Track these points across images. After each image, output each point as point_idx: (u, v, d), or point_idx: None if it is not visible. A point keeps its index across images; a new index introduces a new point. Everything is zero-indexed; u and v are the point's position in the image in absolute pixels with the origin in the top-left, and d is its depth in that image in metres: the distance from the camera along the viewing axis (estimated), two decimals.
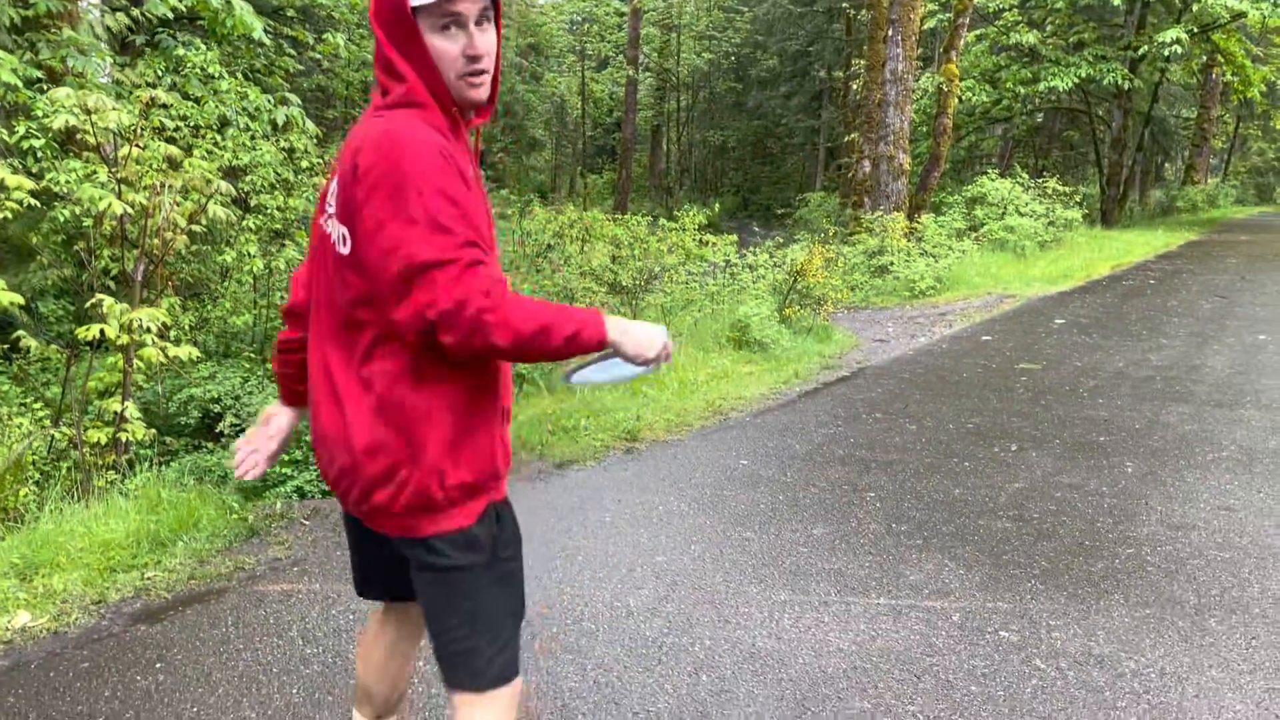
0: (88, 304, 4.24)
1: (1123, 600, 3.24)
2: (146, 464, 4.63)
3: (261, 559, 3.61)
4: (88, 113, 4.19)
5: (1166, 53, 17.66)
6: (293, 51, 10.10)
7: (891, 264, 11.98)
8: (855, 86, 19.47)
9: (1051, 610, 3.17)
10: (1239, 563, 3.55)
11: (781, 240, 11.01)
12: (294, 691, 2.65)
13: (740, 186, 39.73)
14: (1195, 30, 18.22)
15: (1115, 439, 5.17)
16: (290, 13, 11.72)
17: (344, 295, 1.50)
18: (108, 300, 4.09)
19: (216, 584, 3.38)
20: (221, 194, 4.58)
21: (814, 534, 3.85)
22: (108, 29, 7.99)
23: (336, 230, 1.50)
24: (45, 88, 6.12)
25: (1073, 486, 4.40)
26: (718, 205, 17.72)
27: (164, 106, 5.29)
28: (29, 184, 4.60)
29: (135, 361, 4.40)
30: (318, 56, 10.80)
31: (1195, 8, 17.82)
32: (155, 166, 4.95)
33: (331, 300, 1.54)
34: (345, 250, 1.48)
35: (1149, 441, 5.12)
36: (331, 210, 1.52)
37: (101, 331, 4.11)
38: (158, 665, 2.79)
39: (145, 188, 4.60)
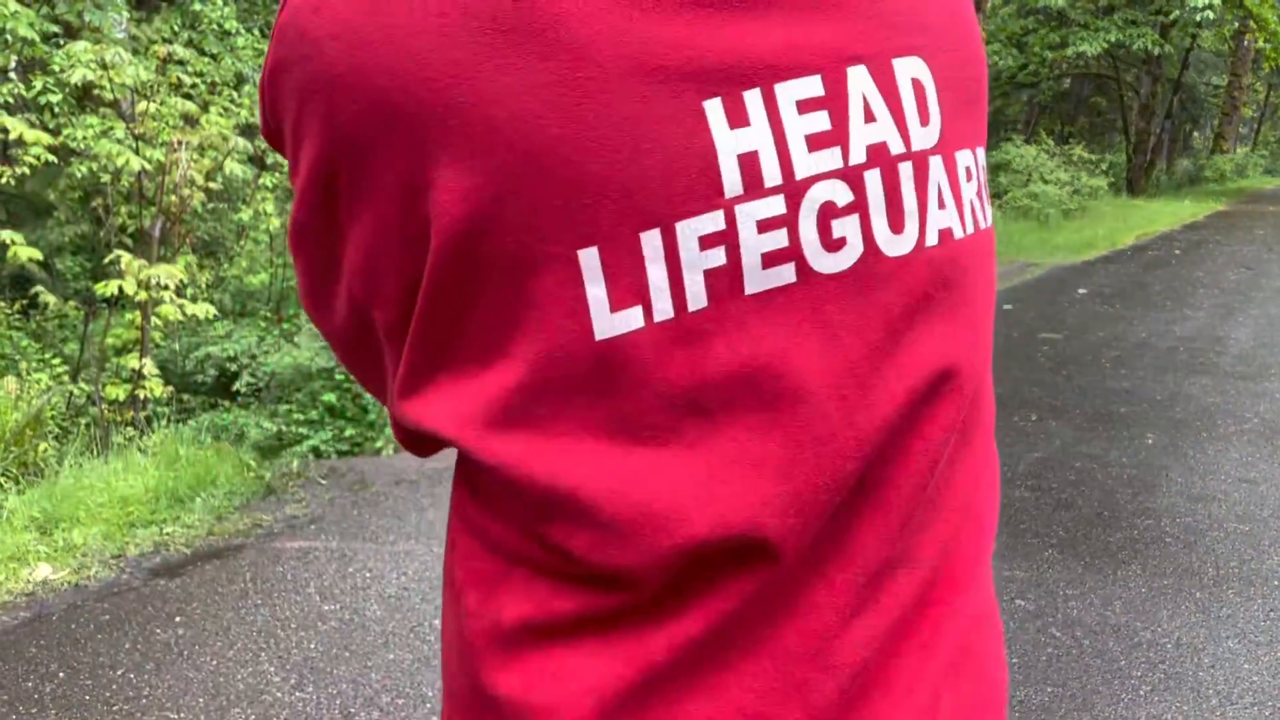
0: (105, 260, 4.25)
1: (1140, 570, 3.22)
2: (164, 421, 4.67)
3: (279, 516, 3.64)
4: (104, 68, 4.17)
5: (1198, 18, 17.26)
6: None
7: None
8: None
9: (1068, 579, 3.15)
10: (1259, 535, 3.51)
11: None
12: (311, 646, 2.67)
13: None
14: None
15: (1136, 410, 5.12)
16: None
17: (981, 364, 0.60)
18: (126, 256, 4.09)
19: (234, 540, 3.41)
20: (238, 151, 4.56)
21: None
22: None
23: (972, 184, 0.58)
24: (62, 42, 6.10)
25: (1092, 457, 4.37)
26: None
27: (180, 63, 5.26)
28: (47, 139, 4.59)
29: (153, 319, 4.42)
30: None
31: None
32: (172, 123, 4.93)
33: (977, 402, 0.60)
34: (985, 222, 0.60)
35: (1170, 413, 5.07)
36: (923, 138, 0.54)
37: (120, 288, 4.12)
38: (177, 619, 2.82)
39: (162, 144, 4.59)
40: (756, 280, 0.49)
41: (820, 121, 0.50)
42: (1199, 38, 22.25)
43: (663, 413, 0.50)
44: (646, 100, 0.47)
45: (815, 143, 0.50)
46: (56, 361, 4.72)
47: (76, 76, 4.16)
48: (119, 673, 2.54)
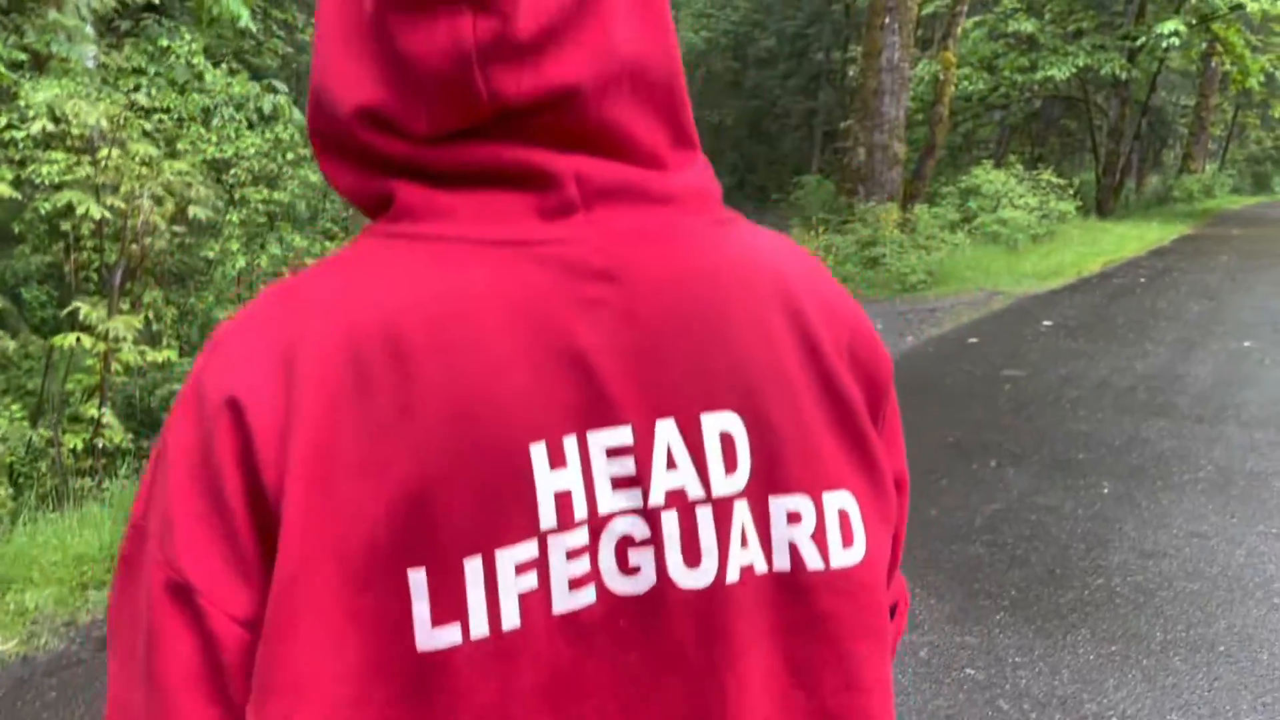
0: (64, 311, 4.23)
1: (1089, 635, 3.27)
2: (126, 463, 4.63)
3: None
4: (65, 117, 4.16)
5: (1165, 44, 17.56)
6: (282, 33, 9.99)
7: (884, 255, 11.96)
8: (852, 72, 19.37)
9: (1019, 646, 3.20)
10: (1207, 595, 3.57)
11: (774, 225, 10.97)
12: None
13: (737, 166, 39.56)
14: (1194, 22, 18.11)
15: (1094, 456, 5.19)
16: None
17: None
18: (84, 308, 4.07)
19: None
20: (200, 199, 4.55)
21: None
22: (94, 11, 7.89)
23: (802, 526, 0.60)
24: (29, 75, 6.05)
25: (1048, 509, 4.43)
26: None
27: (144, 109, 5.23)
28: (9, 175, 4.56)
29: (113, 365, 4.39)
30: (306, 39, 10.72)
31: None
32: (139, 160, 4.89)
33: None
34: (823, 562, 0.61)
35: (1127, 459, 5.14)
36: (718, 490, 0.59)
37: (78, 339, 4.10)
38: None
39: (125, 190, 4.56)
40: (563, 601, 0.55)
41: (626, 466, 0.56)
42: (1166, 61, 22.60)
43: None
44: (483, 441, 0.53)
45: (619, 484, 0.56)
46: (16, 407, 4.68)
47: (36, 128, 4.15)
48: None
